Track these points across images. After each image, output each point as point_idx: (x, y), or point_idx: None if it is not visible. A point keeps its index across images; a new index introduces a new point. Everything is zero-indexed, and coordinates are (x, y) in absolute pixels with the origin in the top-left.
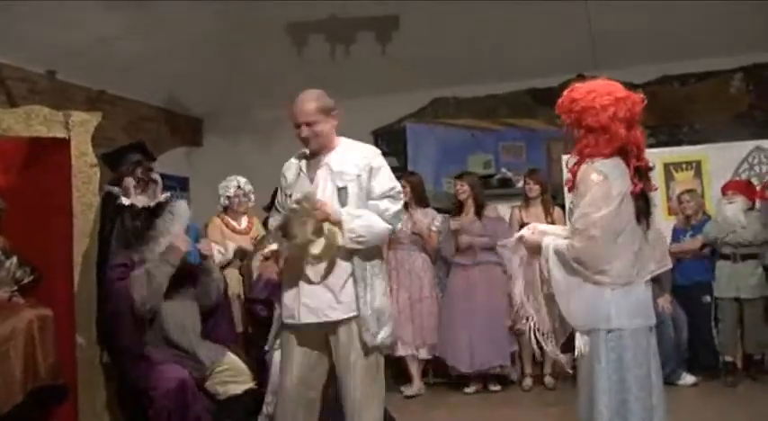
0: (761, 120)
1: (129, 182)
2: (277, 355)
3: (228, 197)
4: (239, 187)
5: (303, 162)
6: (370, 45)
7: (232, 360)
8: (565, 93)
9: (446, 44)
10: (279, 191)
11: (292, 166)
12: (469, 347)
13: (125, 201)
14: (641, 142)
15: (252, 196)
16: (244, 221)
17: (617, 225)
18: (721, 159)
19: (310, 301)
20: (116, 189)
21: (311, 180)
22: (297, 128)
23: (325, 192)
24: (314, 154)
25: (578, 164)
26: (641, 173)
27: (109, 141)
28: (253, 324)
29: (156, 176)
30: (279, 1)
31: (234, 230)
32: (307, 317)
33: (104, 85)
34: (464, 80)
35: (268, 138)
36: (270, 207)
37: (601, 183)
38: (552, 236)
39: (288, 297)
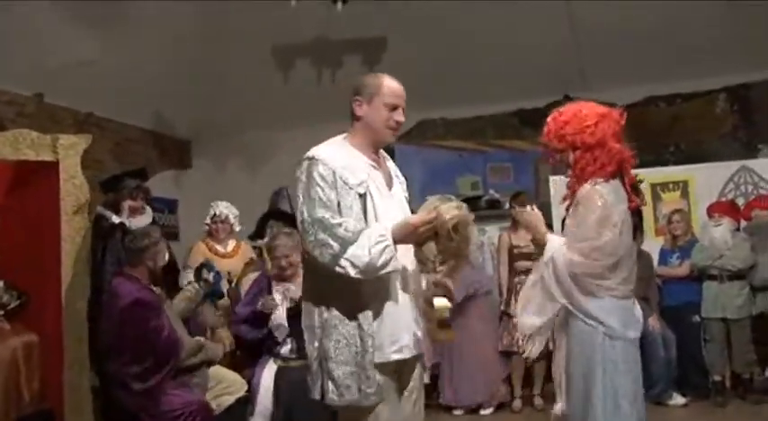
0: (745, 140)
1: (126, 205)
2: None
3: (207, 224)
4: (215, 215)
5: (366, 158)
6: (357, 67)
7: (220, 372)
8: (549, 120)
9: (433, 66)
10: (323, 185)
11: (354, 159)
12: (456, 381)
13: (116, 219)
14: (629, 157)
15: (234, 220)
16: (230, 245)
17: (618, 250)
18: (707, 179)
19: (418, 330)
20: (108, 212)
21: (387, 185)
22: (392, 109)
23: (400, 203)
24: (375, 149)
25: (580, 182)
26: (636, 188)
27: (96, 164)
28: (240, 346)
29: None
30: (265, 24)
31: (217, 254)
32: (415, 349)
33: (92, 107)
34: (451, 102)
35: (256, 160)
36: (255, 237)
37: (603, 207)
38: (557, 240)
39: (393, 325)
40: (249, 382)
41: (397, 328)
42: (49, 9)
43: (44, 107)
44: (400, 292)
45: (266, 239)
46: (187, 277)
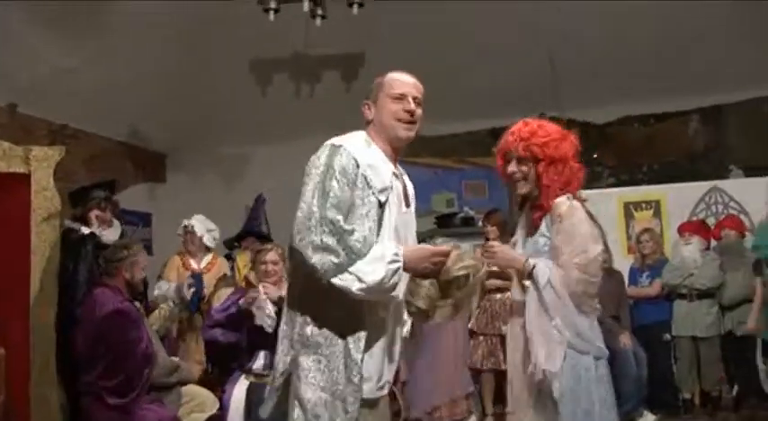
0: (717, 161)
1: (94, 216)
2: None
3: (179, 234)
4: (186, 227)
5: (390, 164)
6: (336, 83)
7: (192, 389)
8: (513, 130)
9: None
10: (342, 180)
11: (380, 162)
12: (410, 391)
13: (85, 230)
14: (582, 177)
15: (205, 236)
16: (205, 260)
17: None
18: (679, 199)
19: (393, 366)
20: (76, 224)
21: (405, 202)
22: (397, 98)
23: (411, 221)
24: (392, 151)
25: (548, 197)
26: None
27: (69, 176)
28: (210, 355)
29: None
30: (243, 38)
31: (189, 268)
32: (388, 388)
33: (67, 118)
34: (427, 119)
35: (232, 175)
36: (233, 244)
37: (588, 221)
38: (542, 261)
39: (382, 357)
40: (221, 399)
41: (383, 362)
42: (25, 20)
43: (18, 118)
44: (391, 323)
45: (243, 252)
46: (161, 288)
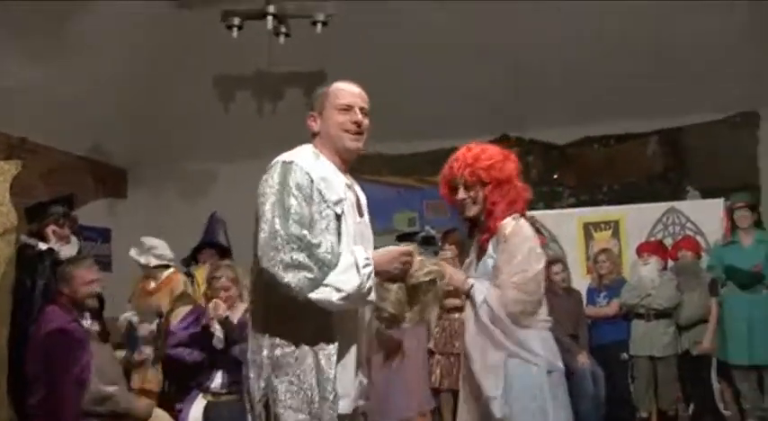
0: (675, 182)
1: (51, 232)
2: (195, 412)
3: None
4: (134, 249)
5: (341, 175)
6: (298, 100)
7: (158, 414)
8: (457, 156)
9: (372, 101)
10: (299, 196)
11: (332, 174)
12: (388, 401)
13: (42, 245)
14: (528, 198)
15: (141, 259)
16: (162, 277)
17: (542, 282)
18: (638, 220)
19: (363, 380)
20: (33, 240)
21: (358, 211)
22: (343, 110)
23: (367, 231)
24: (341, 162)
25: (494, 219)
26: (536, 227)
27: (27, 190)
28: (175, 374)
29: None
30: (206, 55)
31: (144, 289)
32: (358, 401)
33: (26, 132)
34: (389, 137)
35: (194, 191)
36: (189, 262)
37: (530, 240)
38: (480, 281)
39: (351, 374)
40: (177, 418)
41: (357, 374)
42: None
43: None
44: (360, 334)
45: (201, 267)
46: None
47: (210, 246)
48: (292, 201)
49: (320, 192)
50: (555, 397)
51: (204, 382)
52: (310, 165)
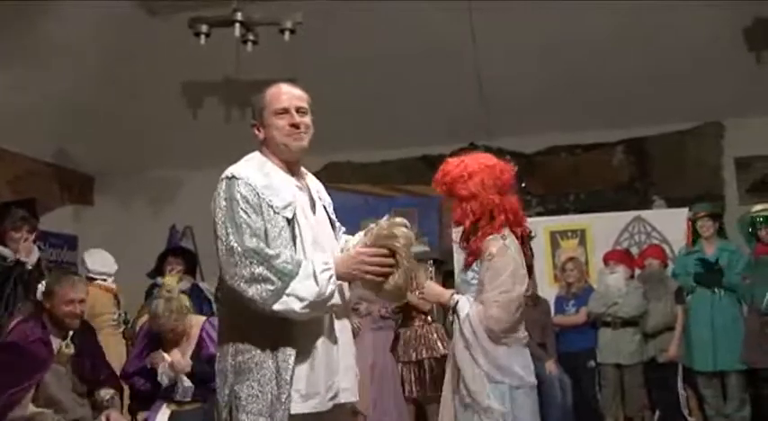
0: (641, 192)
1: (12, 237)
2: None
3: None
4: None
5: (289, 177)
6: None
7: None
8: (441, 167)
9: (342, 109)
10: (248, 209)
11: (278, 180)
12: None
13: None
14: (517, 208)
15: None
16: None
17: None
18: (604, 228)
19: (349, 373)
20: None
21: (311, 208)
22: (281, 113)
23: (326, 228)
24: (290, 164)
25: (479, 239)
26: (525, 240)
27: None
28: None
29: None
30: (174, 62)
31: None
32: (345, 396)
33: None
34: (358, 145)
35: (161, 199)
36: (154, 274)
37: (514, 260)
38: (464, 297)
39: (330, 367)
40: None
41: (333, 371)
42: None
43: None
44: (339, 330)
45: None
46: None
47: (174, 254)
48: (242, 216)
49: (267, 202)
50: (521, 410)
51: (168, 392)
52: (253, 175)
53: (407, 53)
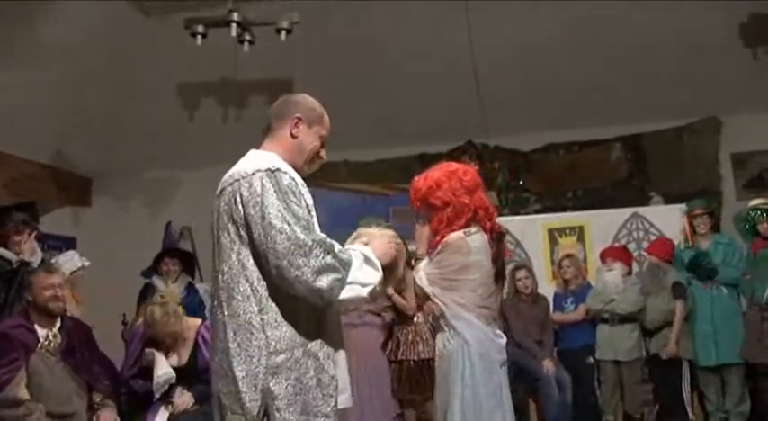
0: (639, 188)
1: (14, 240)
2: None
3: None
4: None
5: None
6: (263, 108)
7: None
8: (412, 184)
9: (338, 109)
10: (296, 201)
11: (303, 186)
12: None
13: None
14: (487, 204)
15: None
16: None
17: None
18: (602, 225)
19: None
20: (9, 254)
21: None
22: (322, 137)
23: None
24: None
25: (442, 237)
26: (495, 237)
27: None
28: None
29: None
30: (171, 62)
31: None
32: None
33: None
34: (355, 144)
35: (159, 200)
36: (149, 274)
37: (470, 255)
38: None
39: (343, 369)
40: None
41: (343, 369)
42: None
43: None
44: (340, 327)
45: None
46: None
47: (171, 256)
48: (296, 207)
49: (304, 198)
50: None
51: (166, 394)
52: (291, 171)
53: (404, 52)
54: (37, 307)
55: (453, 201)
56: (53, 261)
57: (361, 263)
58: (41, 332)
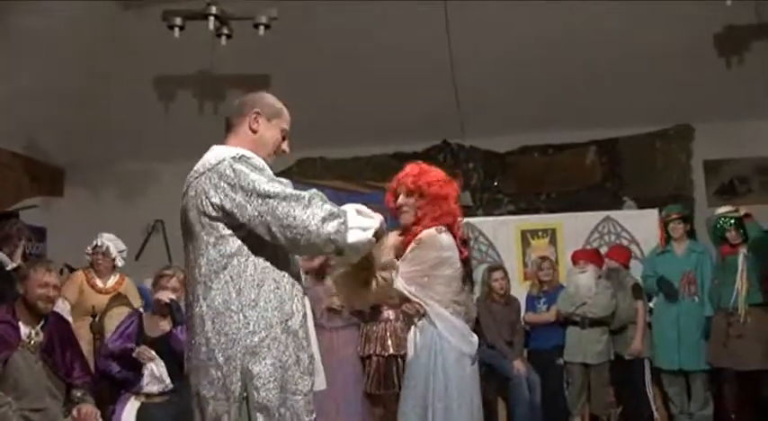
0: (612, 192)
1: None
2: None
3: (88, 253)
4: (97, 245)
5: None
6: None
7: None
8: (408, 166)
9: (314, 105)
10: (268, 174)
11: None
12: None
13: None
14: (459, 215)
15: (116, 255)
16: (111, 280)
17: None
18: (574, 228)
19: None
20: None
21: None
22: (284, 138)
23: None
24: None
25: (424, 227)
26: (464, 242)
27: None
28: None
29: None
30: (147, 55)
31: (94, 288)
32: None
33: None
34: (331, 141)
35: (132, 191)
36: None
37: (444, 251)
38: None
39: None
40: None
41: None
42: None
43: None
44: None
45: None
46: (59, 307)
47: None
48: (275, 177)
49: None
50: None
51: (136, 384)
52: (255, 156)
53: (381, 51)
54: (26, 302)
55: (448, 200)
56: (100, 240)
57: (355, 211)
58: (24, 330)
